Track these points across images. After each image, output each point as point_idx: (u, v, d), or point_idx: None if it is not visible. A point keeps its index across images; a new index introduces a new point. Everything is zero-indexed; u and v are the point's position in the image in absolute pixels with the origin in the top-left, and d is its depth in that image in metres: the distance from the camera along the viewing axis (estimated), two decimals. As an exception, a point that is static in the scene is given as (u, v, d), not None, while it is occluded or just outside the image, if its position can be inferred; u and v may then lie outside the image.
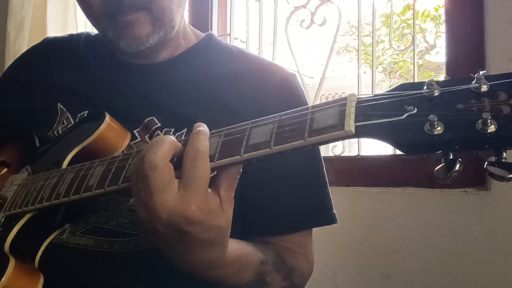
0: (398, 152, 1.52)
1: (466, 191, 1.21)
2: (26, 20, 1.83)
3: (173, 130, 0.79)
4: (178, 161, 0.53)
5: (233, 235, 0.60)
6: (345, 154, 1.50)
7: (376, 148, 1.52)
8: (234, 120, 0.79)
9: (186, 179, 0.51)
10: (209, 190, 0.54)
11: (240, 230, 0.77)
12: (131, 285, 0.74)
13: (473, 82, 0.41)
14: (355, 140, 1.47)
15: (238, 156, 0.51)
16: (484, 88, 0.40)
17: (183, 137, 0.78)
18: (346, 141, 1.49)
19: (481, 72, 0.41)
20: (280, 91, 0.83)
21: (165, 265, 0.75)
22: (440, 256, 1.24)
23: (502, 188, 1.16)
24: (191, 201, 0.51)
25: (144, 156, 0.52)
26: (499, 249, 1.16)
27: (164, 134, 0.79)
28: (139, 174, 0.53)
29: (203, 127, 0.56)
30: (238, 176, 0.55)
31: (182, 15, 0.87)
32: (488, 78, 0.41)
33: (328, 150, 1.52)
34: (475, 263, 1.19)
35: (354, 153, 1.48)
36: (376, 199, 1.34)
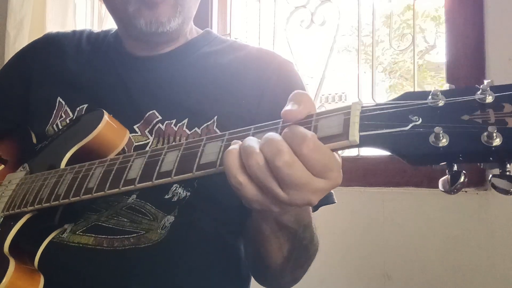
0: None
1: (466, 191, 1.21)
2: (25, 20, 1.83)
3: (174, 121, 0.80)
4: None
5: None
6: (345, 154, 1.50)
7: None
8: (238, 107, 0.80)
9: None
10: None
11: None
12: (131, 282, 0.75)
13: (478, 92, 0.40)
14: (355, 140, 1.47)
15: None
16: (489, 99, 0.40)
17: (184, 127, 0.78)
18: (346, 141, 1.49)
19: (486, 82, 0.40)
20: (277, 78, 0.85)
21: (163, 262, 0.75)
22: (440, 256, 1.24)
23: (502, 188, 1.16)
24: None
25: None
26: (499, 249, 1.16)
27: (165, 127, 0.79)
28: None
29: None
30: None
31: (194, 12, 0.88)
32: (493, 88, 0.40)
33: (328, 150, 1.52)
34: (474, 262, 1.18)
35: (354, 153, 1.48)
36: (376, 199, 1.34)
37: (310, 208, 0.71)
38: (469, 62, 1.26)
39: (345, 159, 1.44)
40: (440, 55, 1.75)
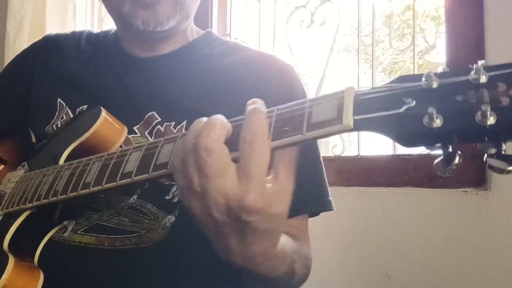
0: (398, 152, 1.51)
1: (466, 191, 1.21)
2: (25, 20, 1.84)
3: (173, 123, 0.80)
4: (232, 144, 0.48)
5: None
6: (345, 154, 1.49)
7: (376, 148, 1.52)
8: (239, 108, 0.80)
9: (244, 166, 0.46)
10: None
11: None
12: (132, 281, 0.75)
13: (471, 73, 0.40)
14: (355, 140, 1.47)
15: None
16: (483, 79, 0.39)
17: (183, 130, 0.78)
18: (346, 141, 1.49)
19: (479, 62, 0.40)
20: (278, 81, 0.84)
21: (164, 262, 0.75)
22: (440, 256, 1.23)
23: (502, 188, 1.16)
24: (250, 189, 0.46)
25: (196, 140, 0.48)
26: (499, 249, 1.15)
27: (164, 129, 0.79)
28: (191, 160, 0.48)
29: (259, 104, 0.49)
30: (294, 160, 0.50)
31: (194, 12, 0.88)
32: (487, 68, 0.40)
33: (328, 150, 1.52)
34: (474, 262, 1.18)
35: (354, 153, 1.48)
36: (376, 199, 1.34)
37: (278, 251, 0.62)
38: (469, 62, 1.26)
39: (345, 159, 1.45)
40: (440, 55, 1.75)
